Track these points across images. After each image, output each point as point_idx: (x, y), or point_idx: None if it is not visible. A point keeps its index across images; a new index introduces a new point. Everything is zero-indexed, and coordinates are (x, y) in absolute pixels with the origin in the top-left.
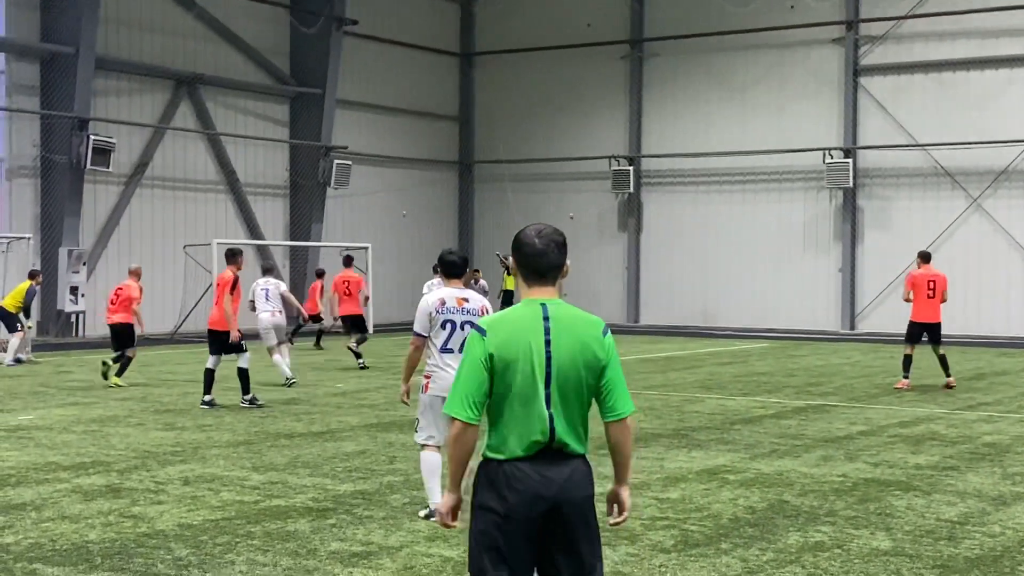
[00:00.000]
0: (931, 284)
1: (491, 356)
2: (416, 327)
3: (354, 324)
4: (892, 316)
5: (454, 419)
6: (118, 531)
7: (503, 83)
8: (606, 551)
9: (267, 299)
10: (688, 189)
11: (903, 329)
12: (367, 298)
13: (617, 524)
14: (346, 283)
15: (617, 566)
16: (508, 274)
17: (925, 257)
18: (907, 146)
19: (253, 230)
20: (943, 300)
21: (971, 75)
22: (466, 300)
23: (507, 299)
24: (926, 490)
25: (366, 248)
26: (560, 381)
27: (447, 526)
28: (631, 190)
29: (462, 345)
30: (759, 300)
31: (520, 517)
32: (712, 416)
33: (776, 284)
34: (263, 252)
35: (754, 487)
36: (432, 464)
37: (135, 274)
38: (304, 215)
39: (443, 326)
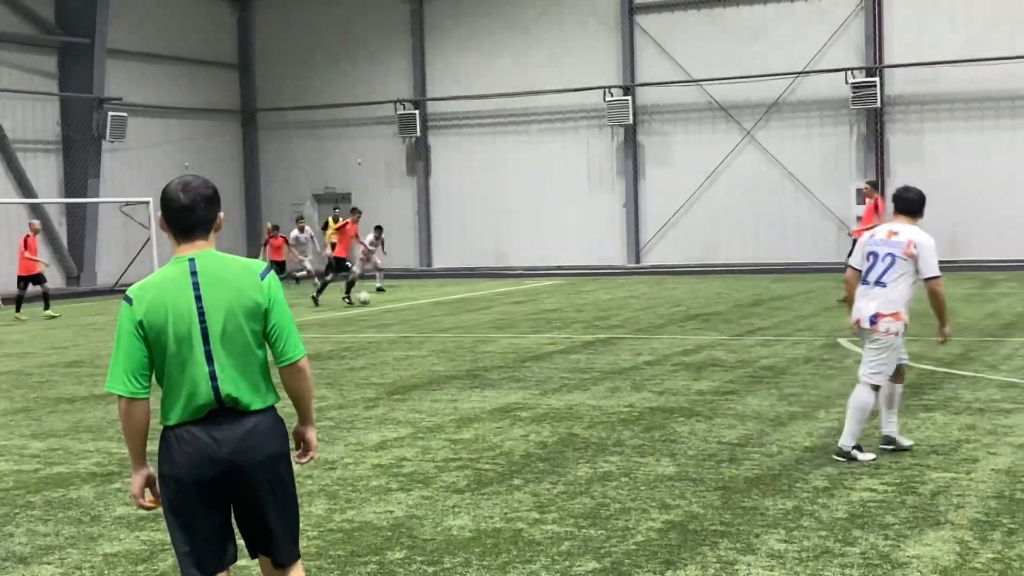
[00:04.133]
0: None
1: (140, 324)
2: (851, 260)
3: (339, 266)
4: (674, 248)
5: (119, 396)
6: None
7: (283, 28)
8: (400, 496)
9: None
10: (474, 131)
11: (685, 260)
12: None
13: (303, 462)
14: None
15: (411, 509)
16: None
17: (875, 185)
18: (683, 82)
19: (25, 188)
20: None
21: (741, 10)
22: (896, 233)
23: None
24: (708, 415)
25: (147, 203)
26: (220, 336)
27: (141, 506)
28: (418, 134)
29: (877, 277)
30: (548, 238)
31: (189, 481)
32: (504, 355)
33: (564, 222)
34: (37, 210)
35: (545, 422)
36: (855, 400)
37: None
38: (79, 171)
39: (867, 257)
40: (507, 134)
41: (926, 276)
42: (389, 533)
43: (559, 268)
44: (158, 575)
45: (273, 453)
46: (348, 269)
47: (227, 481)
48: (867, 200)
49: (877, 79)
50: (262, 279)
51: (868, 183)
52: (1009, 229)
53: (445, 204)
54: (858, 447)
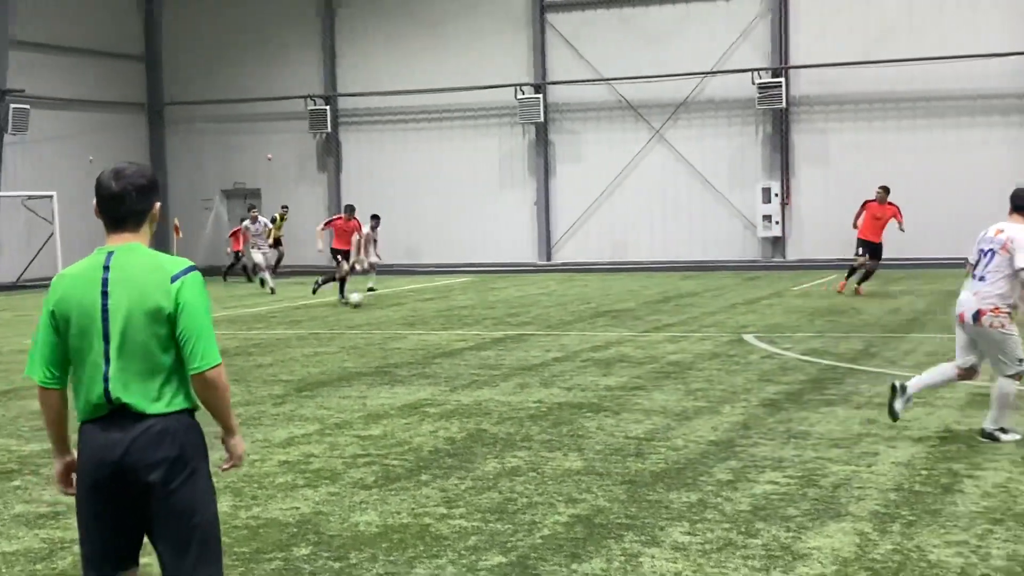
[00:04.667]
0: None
1: (52, 313)
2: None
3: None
4: (585, 246)
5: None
6: None
7: (191, 20)
8: (307, 492)
9: None
10: (386, 127)
11: (596, 258)
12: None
13: (223, 469)
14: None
15: (318, 506)
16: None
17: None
18: (593, 81)
19: None
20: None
21: (650, 10)
22: (1002, 231)
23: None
24: (615, 410)
25: (50, 197)
26: (120, 336)
27: (65, 492)
28: (328, 130)
29: (981, 273)
30: (460, 236)
31: (89, 479)
32: (414, 351)
33: (476, 219)
34: None
35: (454, 418)
36: (998, 390)
37: None
38: None
39: (978, 253)
40: (419, 131)
41: (1016, 268)
42: (295, 529)
43: (471, 265)
44: (57, 573)
45: (165, 458)
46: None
47: (121, 484)
48: (873, 203)
49: (782, 80)
50: (172, 281)
51: (883, 188)
52: (910, 228)
53: (356, 201)
54: (1002, 429)
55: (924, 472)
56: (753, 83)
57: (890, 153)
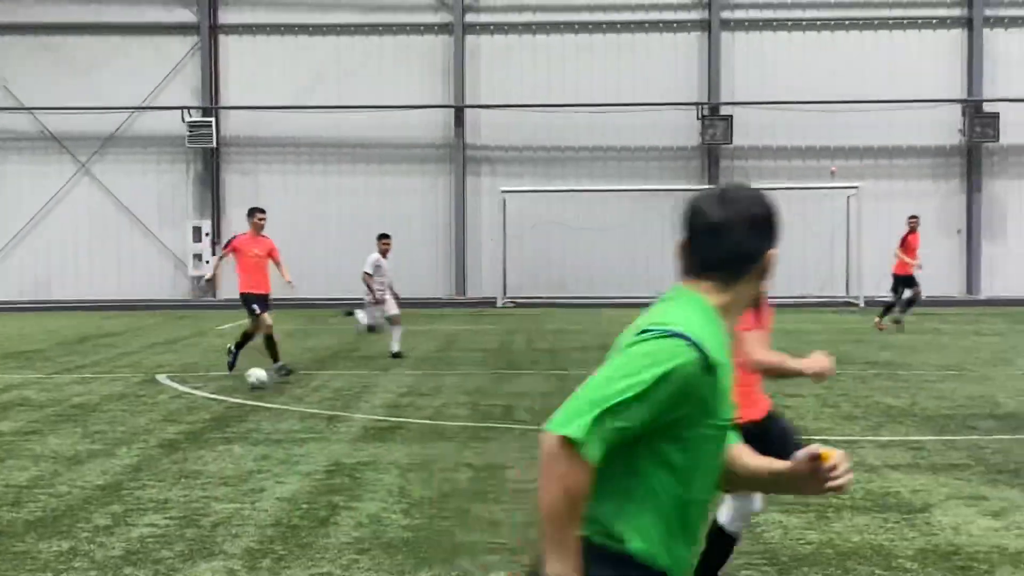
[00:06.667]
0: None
1: None
2: None
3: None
4: (6, 283)
5: None
6: None
7: None
8: None
9: None
10: None
11: (17, 296)
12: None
13: None
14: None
15: None
16: None
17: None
18: (13, 109)
19: None
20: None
21: (77, 40)
22: None
23: None
24: (1, 457)
25: None
26: None
27: None
28: None
29: None
30: None
31: None
32: None
33: None
34: None
35: None
36: None
37: None
38: None
39: None
40: None
41: None
42: None
43: None
44: None
45: None
46: (254, 313)
47: None
48: (912, 236)
49: (213, 119)
50: None
51: (915, 217)
52: (335, 269)
53: None
54: None
55: (305, 506)
56: (184, 121)
57: (319, 195)
